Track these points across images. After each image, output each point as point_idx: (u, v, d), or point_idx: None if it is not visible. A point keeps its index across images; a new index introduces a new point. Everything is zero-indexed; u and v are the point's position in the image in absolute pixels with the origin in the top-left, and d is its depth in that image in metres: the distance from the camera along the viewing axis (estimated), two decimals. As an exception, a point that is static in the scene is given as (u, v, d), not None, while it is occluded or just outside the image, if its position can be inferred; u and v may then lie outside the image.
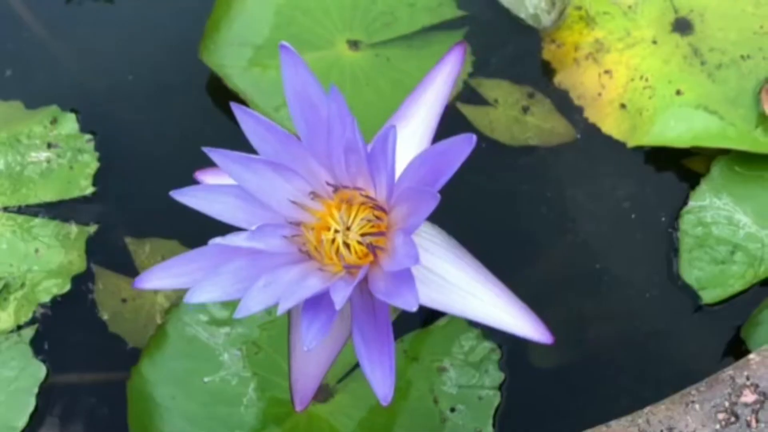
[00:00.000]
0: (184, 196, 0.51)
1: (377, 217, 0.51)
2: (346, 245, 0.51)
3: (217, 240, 0.49)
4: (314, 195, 0.52)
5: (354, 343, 0.50)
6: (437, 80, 0.56)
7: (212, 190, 0.51)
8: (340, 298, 0.47)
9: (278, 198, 0.51)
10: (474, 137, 0.46)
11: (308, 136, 0.52)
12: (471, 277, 0.53)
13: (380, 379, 0.49)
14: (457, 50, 0.57)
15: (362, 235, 0.51)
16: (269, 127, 0.51)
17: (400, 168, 0.50)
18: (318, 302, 0.49)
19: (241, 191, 0.51)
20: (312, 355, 0.55)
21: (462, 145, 0.47)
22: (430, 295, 0.52)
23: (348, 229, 0.52)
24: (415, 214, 0.49)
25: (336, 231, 0.52)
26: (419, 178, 0.49)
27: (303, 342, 0.47)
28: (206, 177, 0.60)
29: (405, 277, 0.48)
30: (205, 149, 0.50)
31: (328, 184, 0.52)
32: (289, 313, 0.56)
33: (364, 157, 0.49)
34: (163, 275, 0.53)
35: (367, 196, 0.51)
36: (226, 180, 0.57)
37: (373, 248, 0.51)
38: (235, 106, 0.50)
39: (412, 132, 0.55)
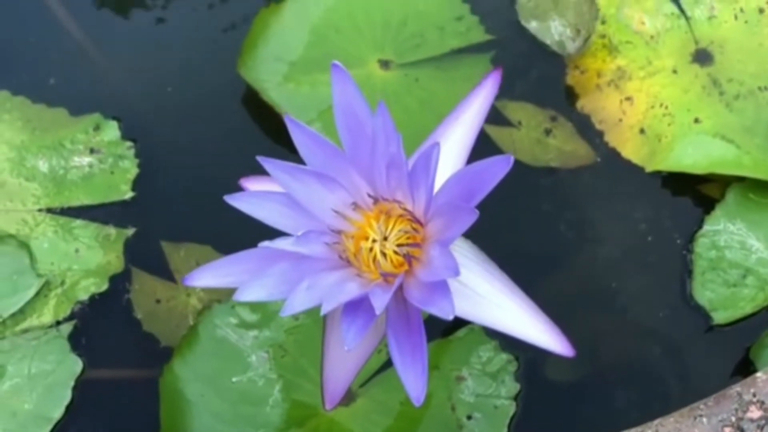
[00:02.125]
0: (237, 201, 0.54)
1: (414, 229, 0.54)
2: (383, 254, 0.54)
3: (266, 243, 0.52)
4: (355, 206, 0.55)
5: (389, 346, 0.54)
6: (475, 103, 0.59)
7: (262, 197, 0.55)
8: (379, 303, 0.50)
9: (322, 207, 0.55)
10: (512, 158, 0.49)
11: (352, 150, 0.55)
12: (499, 290, 0.56)
13: (413, 381, 0.52)
14: (494, 75, 0.60)
15: (399, 245, 0.54)
16: (317, 140, 0.54)
17: (438, 183, 0.54)
18: (357, 306, 0.52)
19: (287, 198, 0.55)
20: (344, 356, 0.58)
21: (499, 166, 0.50)
22: (461, 306, 0.55)
23: (385, 239, 0.55)
24: (451, 228, 0.52)
25: (374, 240, 0.55)
26: (456, 195, 0.52)
27: (344, 342, 0.50)
28: (249, 184, 0.63)
29: (441, 287, 0.51)
30: (259, 158, 0.54)
31: (369, 195, 0.55)
32: (324, 316, 0.59)
33: (406, 173, 0.53)
34: (211, 275, 0.57)
35: (405, 209, 0.55)
36: (267, 187, 0.61)
37: (409, 258, 0.54)
38: (288, 119, 0.53)
39: (449, 150, 0.59)
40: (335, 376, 0.58)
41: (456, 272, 0.50)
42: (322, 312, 0.50)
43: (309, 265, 0.54)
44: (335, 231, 0.55)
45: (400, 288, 0.54)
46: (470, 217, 0.50)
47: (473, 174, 0.51)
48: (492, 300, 0.55)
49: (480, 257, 0.56)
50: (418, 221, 0.54)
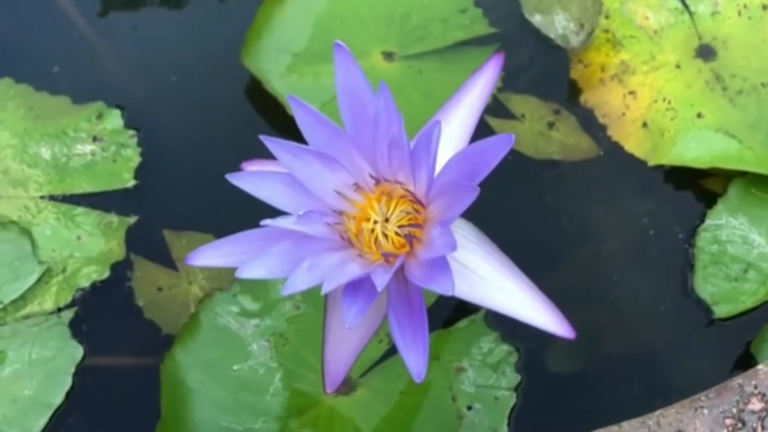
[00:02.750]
0: (239, 180, 0.54)
1: (415, 210, 0.54)
2: (385, 235, 0.54)
3: (268, 221, 0.52)
4: (357, 187, 0.55)
5: (390, 326, 0.54)
6: (477, 86, 0.60)
7: (264, 176, 0.55)
8: (380, 281, 0.50)
9: (324, 187, 0.55)
10: (513, 137, 0.49)
11: (354, 131, 0.55)
12: (500, 272, 0.56)
13: (414, 358, 0.52)
14: (496, 58, 0.60)
15: (400, 226, 0.54)
16: (320, 120, 0.54)
17: (438, 165, 0.54)
18: (358, 285, 0.52)
19: (289, 179, 0.55)
20: (345, 338, 0.58)
21: (500, 145, 0.50)
22: (461, 288, 0.55)
23: (387, 220, 0.55)
24: (452, 207, 0.52)
25: (375, 222, 0.55)
26: (457, 175, 0.52)
27: (345, 320, 0.50)
28: (251, 167, 0.63)
29: (441, 264, 0.51)
30: (262, 137, 0.54)
31: (371, 176, 0.55)
32: (324, 298, 0.59)
33: (407, 153, 0.53)
34: (213, 254, 0.57)
35: (406, 190, 0.55)
36: (269, 170, 0.61)
37: (410, 239, 0.54)
38: (291, 98, 0.53)
39: (451, 132, 0.59)
40: (336, 358, 0.58)
41: (453, 247, 0.50)
42: (323, 291, 0.50)
43: (310, 245, 0.54)
44: (337, 212, 0.55)
45: (401, 268, 0.54)
46: (471, 195, 0.50)
47: (475, 153, 0.51)
48: (493, 282, 0.55)
49: (481, 239, 0.56)
50: (419, 202, 0.54)
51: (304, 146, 0.54)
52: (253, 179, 0.54)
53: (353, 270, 0.53)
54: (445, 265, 0.50)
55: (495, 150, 0.50)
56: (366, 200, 0.56)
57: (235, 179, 0.54)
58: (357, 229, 0.55)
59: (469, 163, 0.52)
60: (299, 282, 0.51)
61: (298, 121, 0.54)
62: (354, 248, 0.55)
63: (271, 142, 0.54)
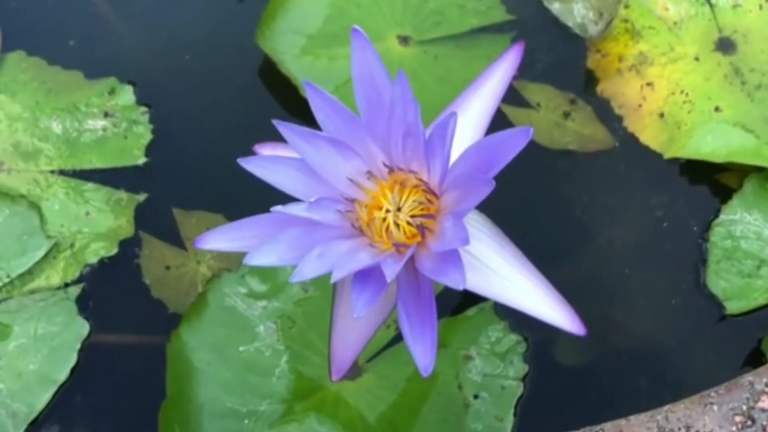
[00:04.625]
0: (250, 165, 0.54)
1: (428, 200, 0.54)
2: (396, 225, 0.54)
3: (278, 208, 0.52)
4: (370, 174, 0.55)
5: (398, 316, 0.53)
6: (495, 76, 0.59)
7: (276, 161, 0.54)
8: (390, 271, 0.50)
9: (336, 174, 0.54)
10: (531, 130, 0.49)
11: (369, 118, 0.54)
12: (512, 265, 0.55)
13: (421, 350, 0.52)
14: (516, 48, 0.59)
15: (412, 216, 0.54)
16: (334, 106, 0.53)
17: (454, 155, 0.53)
18: (368, 274, 0.52)
19: (302, 165, 0.54)
20: (353, 327, 0.58)
21: (518, 137, 0.49)
22: (471, 280, 0.54)
23: (399, 209, 0.54)
24: (466, 199, 0.51)
25: (387, 211, 0.54)
26: (473, 166, 0.52)
27: (353, 310, 0.50)
28: (264, 150, 0.62)
29: (452, 257, 0.50)
30: (275, 122, 0.53)
31: (384, 165, 0.55)
32: (333, 285, 0.58)
33: (422, 142, 0.52)
34: (222, 238, 0.56)
35: (420, 180, 0.54)
36: (281, 154, 0.60)
37: (422, 229, 0.53)
38: (306, 83, 0.53)
39: (467, 122, 0.58)
40: (343, 346, 0.58)
41: (466, 241, 0.49)
42: (333, 279, 0.50)
43: (321, 233, 0.53)
44: (349, 199, 0.55)
45: (412, 259, 0.53)
46: (486, 188, 0.49)
47: (491, 145, 0.51)
48: (504, 275, 0.55)
49: (494, 231, 0.56)
50: (432, 192, 0.54)
51: (317, 132, 0.53)
52: (264, 164, 0.54)
53: (363, 259, 0.52)
54: (456, 259, 0.50)
55: (511, 143, 0.50)
56: (379, 188, 0.55)
57: (246, 164, 0.53)
58: (369, 217, 0.54)
59: (484, 155, 0.51)
60: (308, 269, 0.51)
61: (313, 106, 0.53)
62: (365, 237, 0.54)
63: (284, 127, 0.53)
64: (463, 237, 0.49)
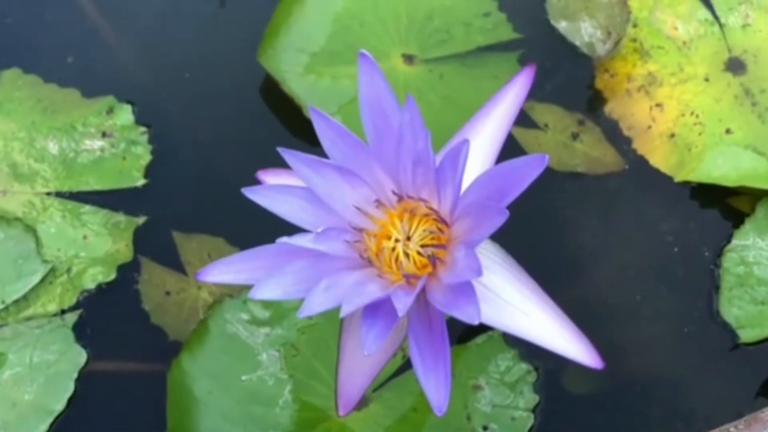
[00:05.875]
0: (255, 194, 0.52)
1: (439, 230, 0.52)
2: (406, 255, 0.52)
3: (284, 239, 0.50)
4: (378, 203, 0.53)
5: (410, 352, 0.51)
6: (506, 99, 0.57)
7: (281, 191, 0.52)
8: (402, 305, 0.48)
9: (343, 203, 0.52)
10: (546, 158, 0.47)
11: (377, 144, 0.52)
12: (526, 296, 0.53)
13: (435, 389, 0.50)
14: (527, 71, 0.57)
15: (423, 246, 0.52)
16: (341, 132, 0.52)
17: (464, 182, 0.51)
18: (377, 307, 0.50)
19: (308, 193, 0.52)
20: (361, 361, 0.56)
21: (533, 165, 0.48)
22: (485, 311, 0.52)
23: (408, 239, 0.52)
24: (478, 229, 0.49)
25: (397, 240, 0.52)
26: (485, 194, 0.50)
27: (364, 345, 0.48)
28: (267, 177, 0.60)
29: (465, 289, 0.48)
30: (280, 149, 0.51)
31: (393, 193, 0.53)
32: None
33: (433, 170, 0.50)
34: (225, 270, 0.54)
35: (430, 208, 0.52)
36: (285, 181, 0.58)
37: (433, 260, 0.51)
38: (312, 110, 0.51)
39: (478, 148, 0.56)
40: (350, 381, 0.56)
41: (479, 273, 0.47)
42: (342, 314, 0.48)
43: (327, 264, 0.51)
44: (357, 229, 0.53)
45: (423, 291, 0.51)
46: (499, 218, 0.47)
47: (504, 173, 0.49)
48: (517, 306, 0.53)
49: (507, 261, 0.54)
50: (443, 221, 0.52)
51: (323, 160, 0.52)
52: (269, 193, 0.52)
53: (373, 291, 0.50)
54: (470, 291, 0.48)
55: (526, 171, 0.48)
56: (387, 217, 0.53)
57: (250, 193, 0.52)
58: (377, 247, 0.52)
59: (497, 183, 0.49)
60: (316, 303, 0.49)
61: (319, 133, 0.52)
62: (373, 267, 0.52)
63: (289, 155, 0.51)
64: (475, 268, 0.48)
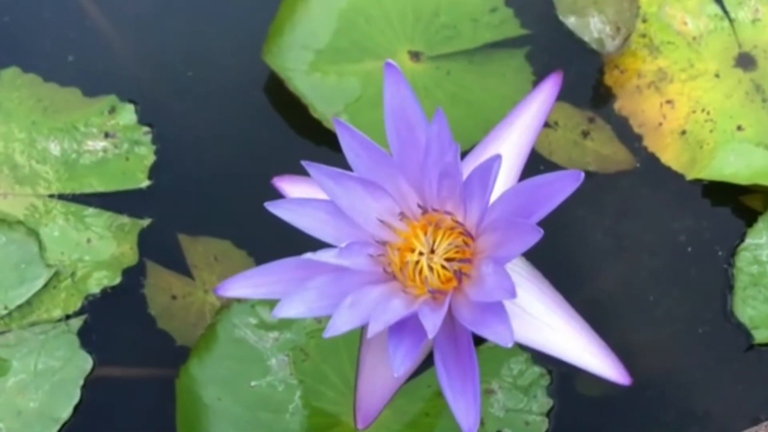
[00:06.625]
0: (277, 208, 0.51)
1: (464, 243, 0.51)
2: (430, 268, 0.51)
3: (309, 255, 0.49)
4: (402, 215, 0.52)
5: (436, 369, 0.50)
6: (532, 106, 0.56)
7: (304, 204, 0.51)
8: (431, 325, 0.46)
9: (366, 216, 0.51)
10: (581, 174, 0.46)
11: (401, 155, 0.51)
12: (552, 311, 0.52)
13: (464, 409, 0.48)
14: (554, 77, 0.56)
15: (447, 259, 0.51)
16: (364, 143, 0.50)
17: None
18: (403, 325, 0.49)
19: (330, 206, 0.51)
20: (381, 375, 0.55)
21: (566, 181, 0.46)
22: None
23: (432, 252, 0.51)
24: (507, 245, 0.48)
25: (421, 253, 0.51)
26: (513, 209, 0.49)
27: (392, 368, 0.46)
28: (283, 184, 0.59)
29: (496, 308, 0.47)
30: (304, 162, 0.50)
31: (418, 205, 0.51)
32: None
33: (460, 183, 0.49)
34: (244, 284, 0.53)
35: (455, 221, 0.51)
36: (303, 188, 0.57)
37: (459, 274, 0.50)
38: (336, 121, 0.50)
39: (503, 156, 0.55)
40: (371, 395, 0.55)
41: (512, 294, 0.46)
42: (369, 334, 0.47)
43: (350, 279, 0.50)
44: (380, 242, 0.51)
45: (448, 307, 0.50)
46: (532, 236, 0.46)
47: (535, 188, 0.48)
48: (544, 320, 0.52)
49: (533, 274, 0.53)
50: (468, 234, 0.51)
51: (346, 172, 0.50)
52: (291, 207, 0.51)
53: (398, 307, 0.49)
54: (500, 310, 0.47)
55: (558, 187, 0.47)
56: (411, 229, 0.52)
57: (273, 207, 0.50)
58: (401, 260, 0.51)
59: (527, 198, 0.48)
60: (342, 322, 0.48)
61: (342, 144, 0.50)
62: (397, 282, 0.51)
63: (312, 168, 0.50)
64: (507, 287, 0.46)
